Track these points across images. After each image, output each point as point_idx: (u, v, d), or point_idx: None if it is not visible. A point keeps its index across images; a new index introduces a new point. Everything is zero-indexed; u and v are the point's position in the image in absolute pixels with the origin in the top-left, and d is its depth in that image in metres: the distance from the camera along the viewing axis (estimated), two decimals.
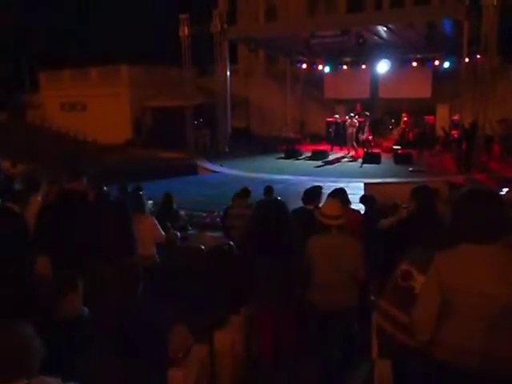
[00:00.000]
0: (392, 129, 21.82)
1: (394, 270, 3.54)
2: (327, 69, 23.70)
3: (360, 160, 18.46)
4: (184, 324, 3.69)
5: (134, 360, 2.92)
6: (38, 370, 2.16)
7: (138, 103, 27.93)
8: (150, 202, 7.20)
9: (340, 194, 6.00)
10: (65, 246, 4.13)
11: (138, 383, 2.97)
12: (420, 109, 21.40)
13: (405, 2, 24.70)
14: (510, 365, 2.48)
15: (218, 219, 9.93)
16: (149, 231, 5.78)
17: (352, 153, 19.71)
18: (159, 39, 29.43)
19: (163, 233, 6.06)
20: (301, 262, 4.31)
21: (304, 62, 24.02)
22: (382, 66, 21.37)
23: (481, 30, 15.04)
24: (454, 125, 18.56)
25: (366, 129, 19.98)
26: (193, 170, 19.05)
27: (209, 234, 8.28)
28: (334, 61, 23.24)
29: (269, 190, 8.12)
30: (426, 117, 21.47)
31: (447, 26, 16.55)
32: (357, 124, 19.68)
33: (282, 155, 20.38)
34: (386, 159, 18.17)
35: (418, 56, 20.81)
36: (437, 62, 20.16)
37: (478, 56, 16.05)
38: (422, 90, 21.54)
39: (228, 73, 21.56)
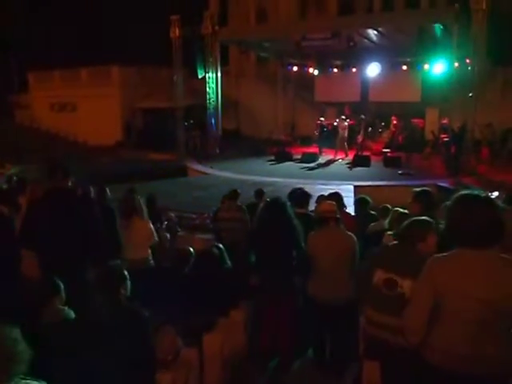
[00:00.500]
0: (382, 132, 21.93)
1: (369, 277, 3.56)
2: (318, 71, 23.76)
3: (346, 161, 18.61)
4: (173, 327, 3.67)
5: (121, 363, 2.89)
6: (24, 374, 2.14)
7: (129, 104, 27.80)
8: None
9: (336, 198, 6.09)
10: (52, 245, 4.09)
11: None
12: (410, 112, 21.51)
13: (395, 6, 24.83)
14: (499, 369, 2.49)
15: (208, 221, 9.92)
16: (144, 234, 5.77)
17: (342, 155, 19.79)
18: (150, 40, 29.32)
19: (156, 237, 6.03)
20: (302, 256, 4.51)
21: (295, 65, 24.08)
22: (373, 70, 21.46)
23: (470, 34, 15.15)
24: (443, 128, 18.69)
25: (362, 132, 20.09)
26: (183, 172, 19.01)
27: (198, 235, 8.28)
28: (325, 64, 23.31)
29: (260, 193, 8.12)
30: (416, 120, 21.59)
31: (437, 29, 16.66)
32: (347, 126, 19.77)
33: (273, 157, 20.38)
34: (375, 162, 18.26)
35: (408, 60, 20.92)
36: (426, 66, 20.28)
37: (468, 60, 16.17)
38: (411, 93, 21.66)
39: (219, 74, 21.55)
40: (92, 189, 6.45)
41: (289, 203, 4.90)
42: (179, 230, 8.82)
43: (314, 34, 18.22)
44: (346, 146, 19.82)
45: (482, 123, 17.26)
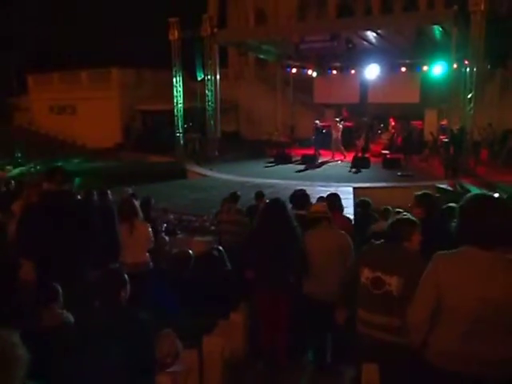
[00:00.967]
0: (381, 133, 21.95)
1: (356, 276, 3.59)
2: (317, 73, 23.78)
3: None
4: (172, 329, 3.68)
5: (121, 366, 2.90)
6: (23, 378, 2.14)
7: (128, 106, 27.81)
8: None
9: (333, 199, 6.22)
10: (50, 248, 4.09)
11: None
12: (409, 114, 21.53)
13: (394, 8, 24.89)
14: (502, 368, 2.50)
15: (207, 223, 9.93)
16: (143, 237, 5.77)
17: (339, 157, 19.86)
18: (149, 43, 29.36)
19: (153, 239, 6.04)
20: (301, 256, 4.62)
21: (294, 67, 24.08)
22: (371, 71, 21.49)
23: (469, 35, 15.18)
24: (442, 130, 18.71)
25: (363, 135, 20.13)
26: (182, 174, 19.01)
27: (198, 238, 8.27)
28: (324, 65, 23.31)
29: (259, 195, 8.14)
30: (415, 122, 21.61)
31: (436, 31, 16.69)
32: (341, 128, 19.88)
33: (272, 159, 20.39)
34: (374, 164, 18.27)
35: (407, 61, 20.94)
36: (425, 68, 20.30)
37: (466, 62, 16.20)
38: (410, 95, 21.66)
39: (218, 76, 21.56)
40: (94, 192, 6.46)
41: (290, 204, 4.96)
42: (178, 232, 8.83)
43: (312, 36, 18.24)
44: (342, 148, 19.91)
45: (482, 124, 17.30)
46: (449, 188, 13.29)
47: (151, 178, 16.74)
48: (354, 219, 7.27)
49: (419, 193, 4.73)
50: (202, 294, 4.65)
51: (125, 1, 33.59)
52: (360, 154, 18.95)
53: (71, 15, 36.29)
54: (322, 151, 20.36)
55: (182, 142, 22.37)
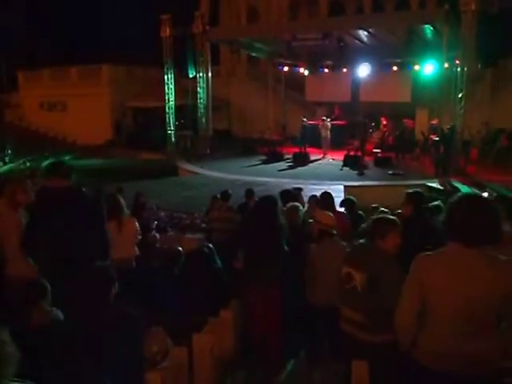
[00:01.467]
0: (372, 132, 22.00)
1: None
2: (308, 72, 23.80)
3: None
4: (162, 326, 3.67)
5: (111, 363, 2.89)
6: (12, 376, 2.12)
7: (119, 103, 27.69)
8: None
9: (328, 198, 6.35)
10: (51, 245, 4.05)
11: None
12: (400, 113, 21.60)
13: (385, 7, 24.97)
14: (489, 367, 2.51)
15: (198, 221, 9.92)
16: (130, 232, 5.73)
17: (331, 155, 19.98)
18: (140, 40, 29.27)
19: (140, 235, 5.99)
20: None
21: (286, 65, 24.08)
22: (363, 70, 21.55)
23: (460, 34, 15.26)
24: (433, 129, 18.79)
25: (359, 135, 20.16)
26: (173, 172, 18.98)
27: (189, 235, 8.25)
28: (316, 64, 23.31)
29: (250, 192, 8.15)
30: (406, 121, 21.69)
31: (427, 31, 16.75)
32: (329, 126, 20.00)
33: (264, 157, 20.39)
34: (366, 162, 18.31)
35: (398, 60, 20.99)
36: (417, 67, 20.37)
37: (457, 61, 16.27)
38: (401, 94, 21.74)
39: (210, 74, 21.53)
40: (102, 189, 6.42)
41: (279, 202, 4.96)
42: (169, 229, 8.81)
43: (304, 35, 18.25)
44: (329, 146, 20.20)
45: (475, 123, 17.39)
46: (439, 187, 13.36)
47: (142, 175, 16.71)
48: None
49: (410, 191, 4.75)
50: (192, 292, 4.64)
51: None
52: (359, 154, 18.84)
53: (61, 12, 36.03)
54: (308, 149, 20.44)
55: (173, 139, 22.33)
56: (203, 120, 21.65)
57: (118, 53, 29.09)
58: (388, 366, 3.19)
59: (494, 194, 9.33)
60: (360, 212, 7.14)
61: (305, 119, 21.00)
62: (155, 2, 27.97)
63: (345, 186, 13.32)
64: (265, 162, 19.80)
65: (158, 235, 7.43)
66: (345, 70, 22.73)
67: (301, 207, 5.91)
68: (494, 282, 2.43)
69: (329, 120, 20.80)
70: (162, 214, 9.81)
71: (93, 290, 3.09)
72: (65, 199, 4.23)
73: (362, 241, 3.72)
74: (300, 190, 8.17)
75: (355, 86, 23.03)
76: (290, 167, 18.68)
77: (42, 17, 34.66)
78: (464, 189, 11.69)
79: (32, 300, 3.42)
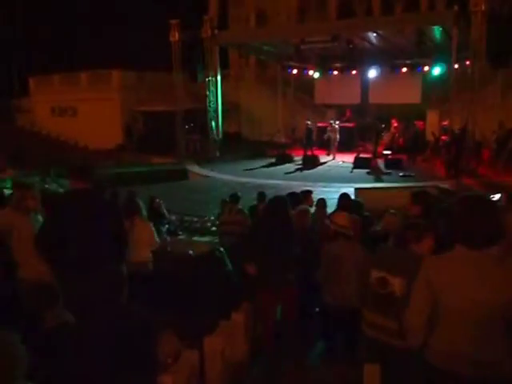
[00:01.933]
0: (382, 134, 21.92)
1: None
2: (317, 74, 23.79)
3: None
4: (173, 329, 3.68)
5: (123, 366, 2.90)
6: (23, 379, 2.14)
7: (129, 108, 27.81)
8: None
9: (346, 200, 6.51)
10: (77, 246, 4.07)
11: None
12: (410, 114, 21.51)
13: (395, 9, 24.87)
14: (498, 370, 2.49)
15: (209, 224, 9.94)
16: (145, 236, 5.76)
17: (336, 158, 20.18)
18: (150, 44, 29.42)
19: (158, 239, 6.02)
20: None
21: (295, 68, 24.08)
22: (372, 72, 21.49)
23: (470, 35, 15.17)
24: (444, 130, 18.69)
25: (373, 138, 20.15)
26: (184, 175, 19.02)
27: (199, 238, 8.28)
28: (325, 66, 23.33)
29: (262, 195, 8.16)
30: (416, 122, 21.59)
31: (436, 32, 16.68)
32: (338, 129, 20.04)
33: (274, 160, 20.39)
34: None
35: (408, 62, 20.91)
36: (426, 68, 20.28)
37: (467, 62, 16.18)
38: (411, 95, 21.66)
39: (219, 78, 21.57)
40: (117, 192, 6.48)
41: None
42: (180, 232, 8.83)
43: (313, 38, 18.24)
44: (336, 148, 20.28)
45: (482, 125, 17.25)
46: (450, 189, 13.27)
47: (153, 178, 16.76)
48: None
49: (416, 191, 4.73)
50: (203, 294, 4.65)
51: (125, 2, 33.63)
52: (371, 157, 18.78)
53: (72, 17, 36.32)
54: (315, 151, 20.47)
55: (183, 143, 22.39)
56: (213, 123, 21.69)
57: (128, 58, 29.27)
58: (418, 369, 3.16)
59: (507, 196, 9.21)
60: (366, 213, 7.12)
61: (309, 122, 21.00)
62: (164, 7, 28.13)
63: (355, 189, 13.26)
64: (274, 165, 19.79)
65: (168, 238, 7.46)
66: (354, 72, 22.70)
67: (310, 210, 5.93)
68: (502, 285, 2.41)
69: (337, 123, 20.77)
70: (173, 217, 9.82)
71: (104, 293, 3.11)
72: (82, 201, 4.28)
73: (388, 245, 3.68)
74: (309, 192, 8.16)
75: (365, 87, 22.99)
76: (300, 170, 18.66)
77: (52, 23, 34.92)
78: (476, 191, 11.61)
79: (45, 303, 3.44)
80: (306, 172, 18.15)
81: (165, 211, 8.76)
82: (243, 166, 19.73)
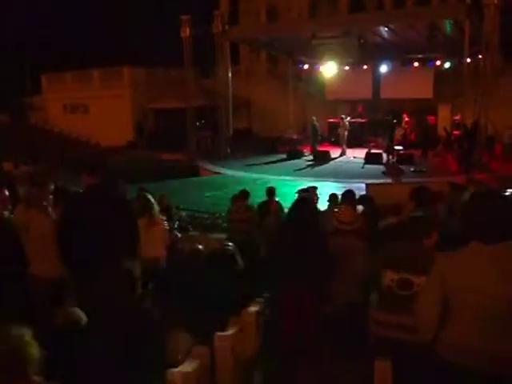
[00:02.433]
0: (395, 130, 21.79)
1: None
2: (329, 69, 23.67)
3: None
4: (184, 325, 3.69)
5: (133, 362, 2.92)
6: (36, 375, 2.16)
7: (140, 105, 27.94)
8: None
9: (351, 196, 6.45)
10: (92, 242, 4.10)
11: None
12: (422, 109, 21.38)
13: (406, 3, 24.68)
14: (510, 366, 2.48)
15: (220, 221, 9.95)
16: (157, 232, 5.79)
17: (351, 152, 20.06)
18: (161, 41, 29.50)
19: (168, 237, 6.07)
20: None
21: (305, 63, 23.99)
22: (384, 67, 21.36)
23: (482, 29, 15.02)
24: (456, 125, 18.54)
25: (387, 134, 20.04)
26: (195, 172, 19.07)
27: (210, 235, 8.30)
28: (336, 61, 23.22)
29: (271, 191, 8.17)
30: (428, 117, 21.44)
31: (448, 25, 16.53)
32: (347, 125, 19.99)
33: (284, 156, 20.38)
34: None
35: (420, 56, 20.78)
36: (438, 62, 20.13)
37: (480, 56, 16.03)
38: (423, 90, 21.51)
39: (230, 74, 21.56)
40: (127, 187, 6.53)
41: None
42: (191, 229, 8.86)
43: (324, 33, 18.16)
44: (346, 144, 20.23)
45: (494, 119, 17.09)
46: (463, 184, 13.17)
47: (164, 175, 16.82)
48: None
49: (414, 186, 4.71)
50: (214, 291, 4.65)
51: None
52: (385, 153, 18.66)
53: (83, 15, 36.50)
54: (321, 147, 20.46)
55: (194, 139, 22.43)
56: (224, 120, 21.70)
57: (139, 54, 29.37)
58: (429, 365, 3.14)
59: None
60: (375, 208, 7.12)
61: (314, 118, 20.94)
62: (175, 3, 28.14)
63: (366, 184, 13.21)
64: (285, 161, 19.77)
65: (179, 235, 7.48)
66: (365, 66, 22.60)
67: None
68: None
69: (348, 118, 20.68)
70: (184, 213, 9.86)
71: (116, 291, 3.13)
72: (95, 197, 4.32)
73: (399, 243, 3.61)
74: (314, 188, 8.18)
75: (376, 82, 22.87)
76: (311, 166, 18.62)
77: (65, 20, 35.13)
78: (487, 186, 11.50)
79: (56, 300, 3.47)
80: (317, 167, 18.12)
81: (173, 209, 8.79)
82: (254, 162, 19.74)
